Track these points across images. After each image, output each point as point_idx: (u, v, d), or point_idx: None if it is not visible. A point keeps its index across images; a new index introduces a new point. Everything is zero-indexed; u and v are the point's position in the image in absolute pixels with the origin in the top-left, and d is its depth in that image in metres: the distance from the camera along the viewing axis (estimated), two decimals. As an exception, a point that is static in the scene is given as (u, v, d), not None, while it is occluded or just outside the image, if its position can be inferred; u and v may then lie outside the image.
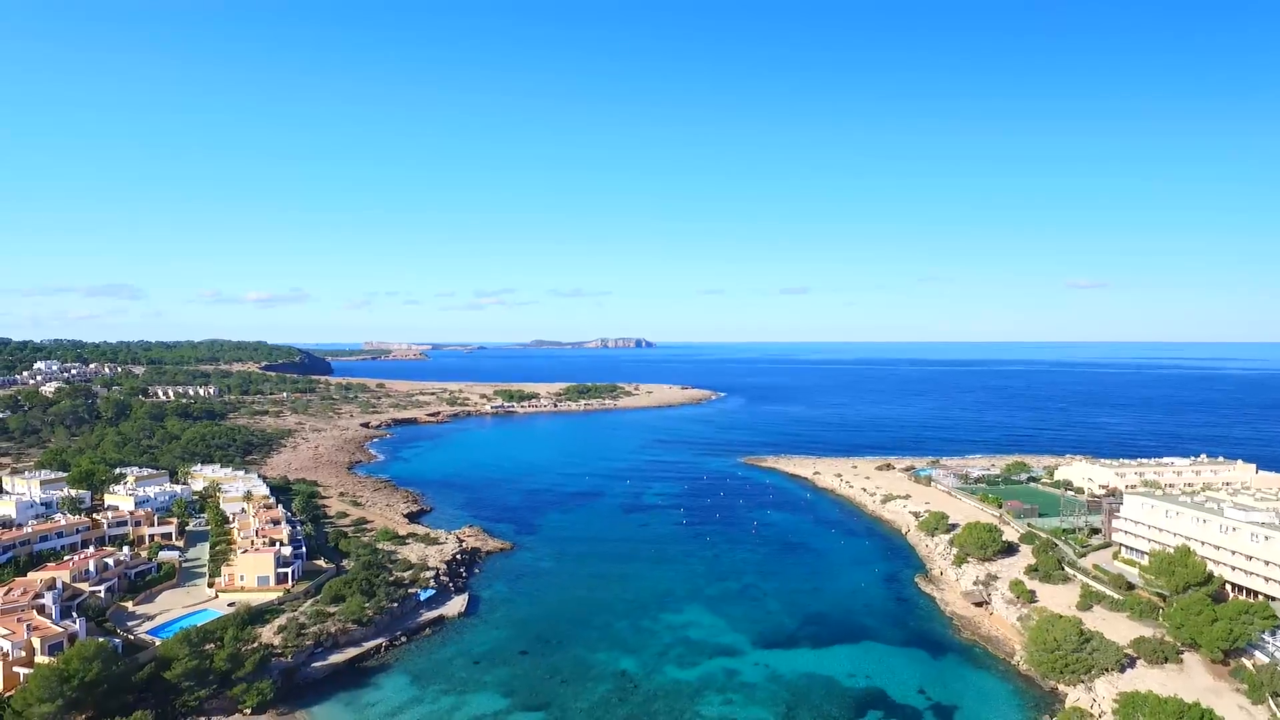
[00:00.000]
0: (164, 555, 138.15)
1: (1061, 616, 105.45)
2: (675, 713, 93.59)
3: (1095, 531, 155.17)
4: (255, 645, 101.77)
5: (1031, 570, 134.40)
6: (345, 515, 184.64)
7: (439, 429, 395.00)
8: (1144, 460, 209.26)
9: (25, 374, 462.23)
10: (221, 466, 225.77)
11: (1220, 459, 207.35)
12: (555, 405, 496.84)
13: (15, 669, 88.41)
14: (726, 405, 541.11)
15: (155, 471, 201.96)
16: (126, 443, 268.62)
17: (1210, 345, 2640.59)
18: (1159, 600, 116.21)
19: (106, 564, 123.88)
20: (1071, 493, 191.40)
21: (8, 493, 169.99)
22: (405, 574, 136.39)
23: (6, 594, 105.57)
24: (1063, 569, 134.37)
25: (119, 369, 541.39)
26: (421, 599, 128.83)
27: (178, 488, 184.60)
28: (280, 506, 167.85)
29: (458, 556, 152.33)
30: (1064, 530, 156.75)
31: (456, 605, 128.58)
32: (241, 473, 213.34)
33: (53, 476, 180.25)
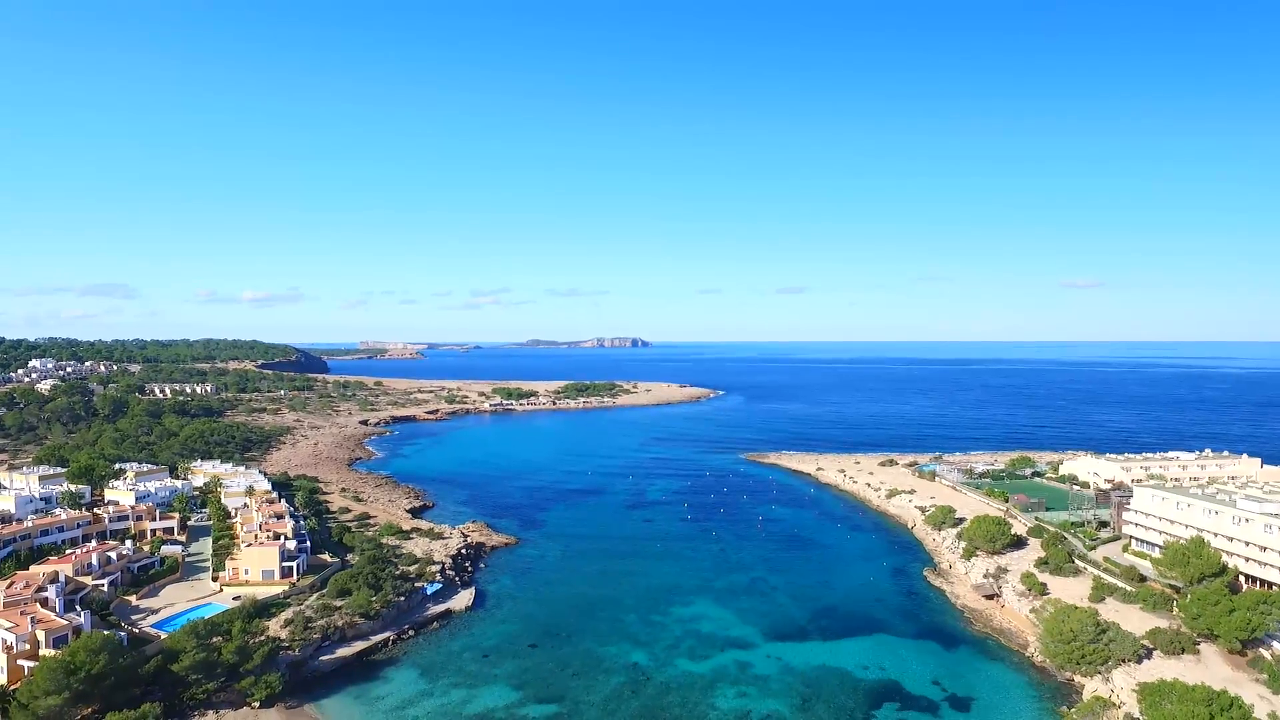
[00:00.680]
0: (166, 549, 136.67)
1: (1077, 608, 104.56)
2: (690, 704, 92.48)
3: (1103, 525, 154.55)
4: (263, 638, 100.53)
5: (1041, 563, 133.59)
6: (348, 510, 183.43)
7: (438, 426, 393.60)
8: (1149, 454, 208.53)
9: (20, 372, 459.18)
10: (221, 462, 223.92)
11: (1225, 453, 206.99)
12: (554, 403, 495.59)
13: (19, 662, 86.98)
14: (726, 403, 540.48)
15: (155, 467, 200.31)
16: (124, 439, 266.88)
17: (1208, 344, 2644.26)
18: (1172, 592, 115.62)
19: (109, 558, 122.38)
20: (1078, 487, 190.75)
21: (6, 488, 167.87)
22: (411, 568, 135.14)
23: (9, 587, 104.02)
24: (1073, 562, 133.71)
25: (115, 367, 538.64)
26: (428, 593, 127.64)
27: (178, 483, 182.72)
28: (283, 501, 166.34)
29: (463, 551, 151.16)
30: (1072, 524, 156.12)
31: (463, 599, 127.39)
32: (242, 468, 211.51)
33: (51, 472, 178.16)
